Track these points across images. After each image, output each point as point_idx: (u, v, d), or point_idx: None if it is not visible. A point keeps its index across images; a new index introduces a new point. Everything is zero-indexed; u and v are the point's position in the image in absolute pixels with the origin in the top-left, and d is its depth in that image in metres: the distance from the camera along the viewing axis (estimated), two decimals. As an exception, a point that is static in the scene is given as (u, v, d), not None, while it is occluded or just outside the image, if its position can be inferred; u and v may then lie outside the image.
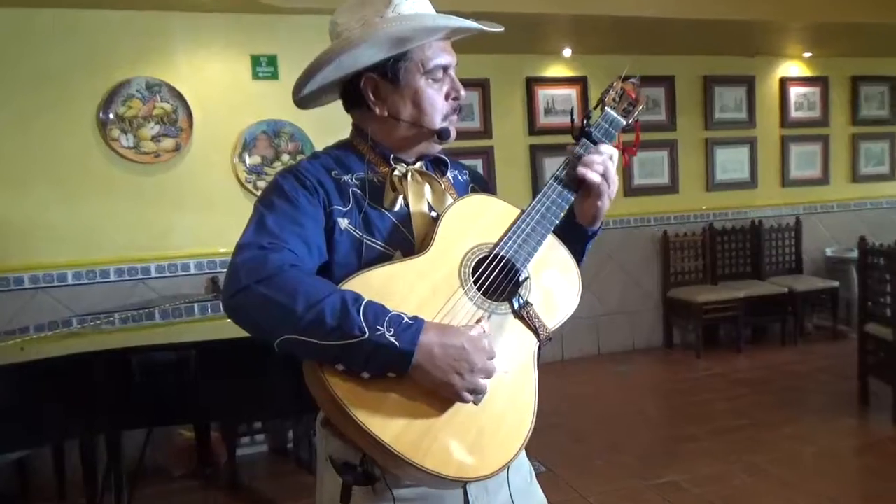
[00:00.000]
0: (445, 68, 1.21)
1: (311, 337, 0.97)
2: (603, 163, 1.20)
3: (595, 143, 1.23)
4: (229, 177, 3.71)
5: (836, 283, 5.45)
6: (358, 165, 1.21)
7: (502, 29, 1.24)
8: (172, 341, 2.40)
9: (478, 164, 4.96)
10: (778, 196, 5.86)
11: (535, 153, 5.11)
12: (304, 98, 1.27)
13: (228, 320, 1.03)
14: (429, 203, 1.22)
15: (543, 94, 5.15)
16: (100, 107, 3.49)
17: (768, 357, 5.09)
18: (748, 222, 5.69)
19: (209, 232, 3.68)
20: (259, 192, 4.08)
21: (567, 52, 5.08)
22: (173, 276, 3.65)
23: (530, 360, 1.13)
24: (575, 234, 1.26)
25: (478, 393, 1.03)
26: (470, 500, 1.15)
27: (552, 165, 5.04)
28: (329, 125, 3.79)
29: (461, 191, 1.30)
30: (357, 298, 1.00)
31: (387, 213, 1.18)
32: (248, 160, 3.72)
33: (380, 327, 0.98)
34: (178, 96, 3.60)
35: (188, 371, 2.17)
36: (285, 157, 3.75)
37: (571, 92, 5.20)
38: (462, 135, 4.80)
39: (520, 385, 1.11)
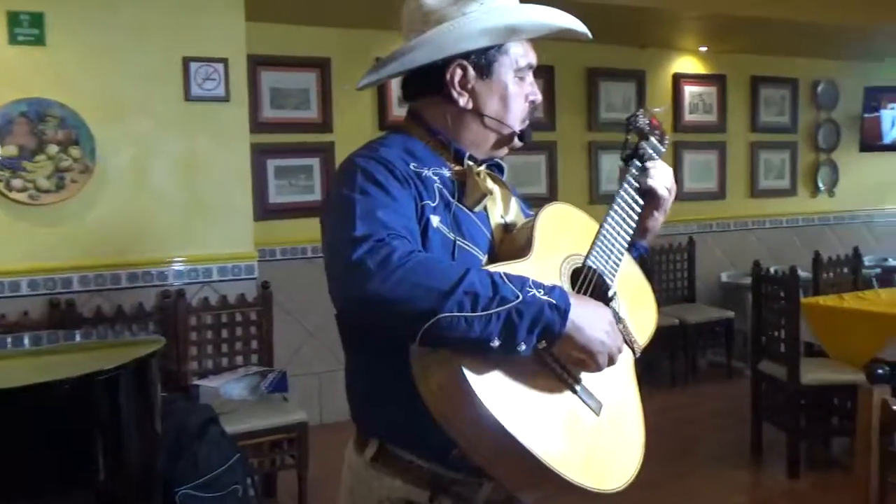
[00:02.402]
0: (531, 68, 1.43)
1: (468, 311, 1.13)
2: (670, 175, 1.51)
3: (643, 164, 1.54)
4: (-28, 172, 3.50)
5: (731, 314, 5.91)
6: (433, 160, 1.38)
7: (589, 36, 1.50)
8: None
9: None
10: (670, 211, 6.26)
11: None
12: (376, 80, 1.46)
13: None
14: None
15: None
16: None
17: (656, 400, 5.38)
18: (636, 242, 6.06)
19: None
20: (18, 193, 3.82)
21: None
22: None
23: (633, 374, 1.39)
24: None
25: (612, 361, 1.26)
26: None
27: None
28: (113, 108, 3.71)
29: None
30: (494, 271, 1.20)
31: (471, 214, 1.37)
32: (-1, 150, 3.52)
33: (529, 288, 1.17)
34: None
35: None
36: (53, 149, 3.59)
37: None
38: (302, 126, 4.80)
39: (629, 398, 1.37)
